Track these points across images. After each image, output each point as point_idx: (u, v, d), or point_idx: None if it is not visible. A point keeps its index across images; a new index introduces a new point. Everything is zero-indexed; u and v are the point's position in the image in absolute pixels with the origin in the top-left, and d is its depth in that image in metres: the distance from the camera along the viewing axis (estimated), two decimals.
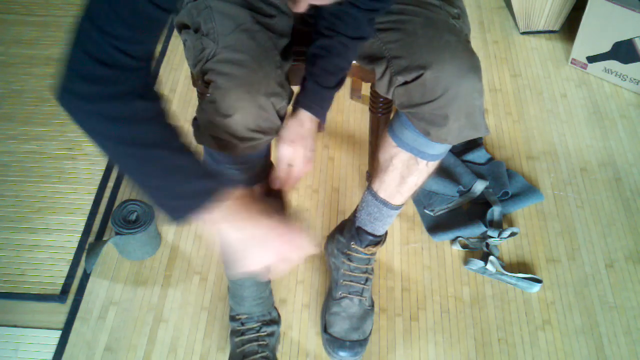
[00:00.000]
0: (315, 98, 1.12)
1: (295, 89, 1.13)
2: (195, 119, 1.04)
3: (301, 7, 0.85)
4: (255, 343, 1.31)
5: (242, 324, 1.33)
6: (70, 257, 1.54)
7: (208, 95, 1.01)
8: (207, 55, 1.05)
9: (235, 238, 0.86)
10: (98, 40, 0.77)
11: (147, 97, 0.83)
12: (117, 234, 1.46)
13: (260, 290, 1.30)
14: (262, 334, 1.32)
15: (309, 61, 1.12)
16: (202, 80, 1.06)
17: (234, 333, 1.34)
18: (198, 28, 1.09)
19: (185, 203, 0.84)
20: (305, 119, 1.12)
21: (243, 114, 0.98)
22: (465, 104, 1.04)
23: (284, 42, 1.13)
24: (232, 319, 1.35)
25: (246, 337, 1.32)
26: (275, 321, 1.36)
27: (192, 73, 1.28)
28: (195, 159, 0.85)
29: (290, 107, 1.10)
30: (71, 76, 0.79)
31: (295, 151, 1.11)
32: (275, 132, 1.05)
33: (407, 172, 1.19)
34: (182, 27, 1.14)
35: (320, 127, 1.15)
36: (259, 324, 1.33)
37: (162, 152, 0.83)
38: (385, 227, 1.33)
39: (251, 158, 1.08)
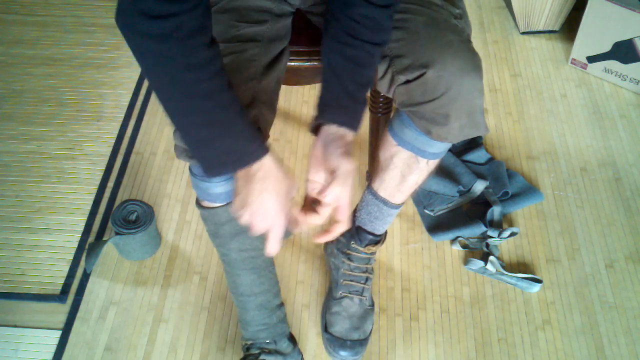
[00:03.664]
0: (353, 114, 1.04)
1: (295, 88, 1.12)
2: (175, 133, 1.04)
3: None
4: None
5: (247, 349, 1.29)
6: (70, 257, 1.54)
7: None
8: None
9: (240, 189, 0.97)
10: None
11: (201, 41, 0.86)
12: (117, 234, 1.46)
13: (264, 315, 1.26)
14: None
15: (333, 73, 1.03)
16: None
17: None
18: None
19: (218, 157, 0.93)
20: (345, 136, 1.02)
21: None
22: (467, 103, 1.04)
23: (276, 47, 1.12)
24: (242, 345, 1.31)
25: None
26: (282, 353, 1.29)
27: None
28: (238, 115, 0.92)
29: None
30: (132, 10, 0.81)
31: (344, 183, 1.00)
32: None
33: (407, 170, 1.19)
34: None
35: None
36: (259, 350, 1.27)
37: (207, 103, 0.88)
38: (385, 226, 1.33)
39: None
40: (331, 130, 1.01)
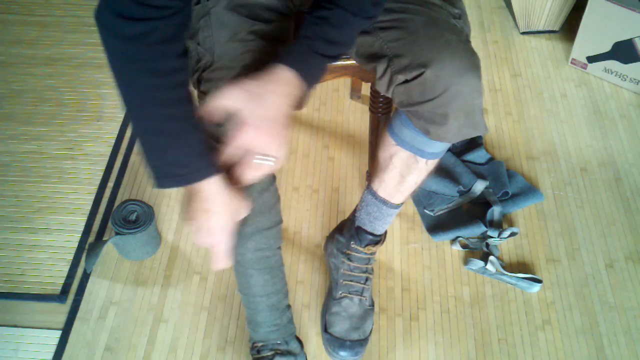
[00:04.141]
0: (303, 59, 0.96)
1: None
2: None
3: None
4: None
5: (258, 351, 1.29)
6: (70, 257, 1.54)
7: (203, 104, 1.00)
8: (203, 66, 1.04)
9: (186, 202, 0.97)
10: None
11: (171, 50, 0.87)
12: (117, 234, 1.46)
13: (275, 316, 1.27)
14: None
15: (300, 30, 0.99)
16: (198, 90, 1.06)
17: None
18: (195, 34, 1.08)
19: (166, 169, 0.92)
20: (286, 78, 0.93)
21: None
22: (465, 103, 1.04)
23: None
24: (251, 347, 1.31)
25: None
26: (293, 353, 1.30)
27: None
28: (191, 130, 0.91)
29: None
30: (108, 9, 0.83)
31: (264, 131, 0.92)
32: None
33: (406, 170, 1.19)
34: None
35: (302, 100, 0.98)
36: (272, 352, 1.28)
37: (163, 111, 0.89)
38: (384, 226, 1.33)
39: None
40: (275, 71, 0.94)
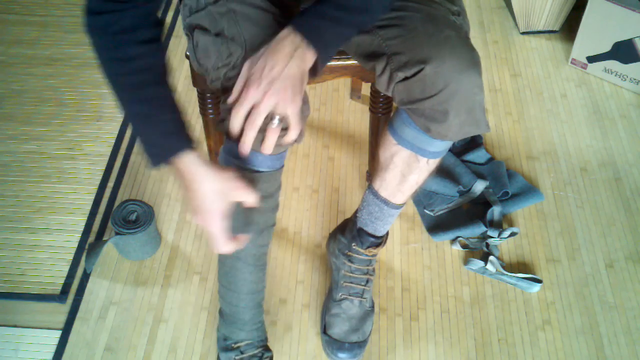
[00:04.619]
0: (310, 22, 0.97)
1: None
2: (221, 120, 1.03)
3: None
4: None
5: (242, 352, 1.28)
6: (70, 257, 1.54)
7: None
8: (234, 61, 1.02)
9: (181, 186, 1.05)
10: None
11: (132, 38, 0.95)
12: (117, 234, 1.46)
13: (258, 313, 1.27)
14: (266, 359, 1.28)
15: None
16: (222, 85, 1.05)
17: None
18: (220, 32, 1.05)
19: (145, 149, 0.98)
20: (290, 39, 0.95)
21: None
22: (466, 99, 1.03)
23: None
24: (227, 349, 1.29)
25: None
26: (270, 349, 1.31)
27: (192, 74, 1.28)
28: (158, 110, 0.97)
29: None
30: (85, 8, 0.94)
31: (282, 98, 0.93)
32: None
33: (407, 170, 1.19)
34: (195, 29, 1.11)
35: (317, 66, 0.98)
36: (260, 349, 1.28)
37: (127, 95, 0.97)
38: (386, 227, 1.33)
39: (269, 168, 1.07)
40: (280, 34, 0.96)
